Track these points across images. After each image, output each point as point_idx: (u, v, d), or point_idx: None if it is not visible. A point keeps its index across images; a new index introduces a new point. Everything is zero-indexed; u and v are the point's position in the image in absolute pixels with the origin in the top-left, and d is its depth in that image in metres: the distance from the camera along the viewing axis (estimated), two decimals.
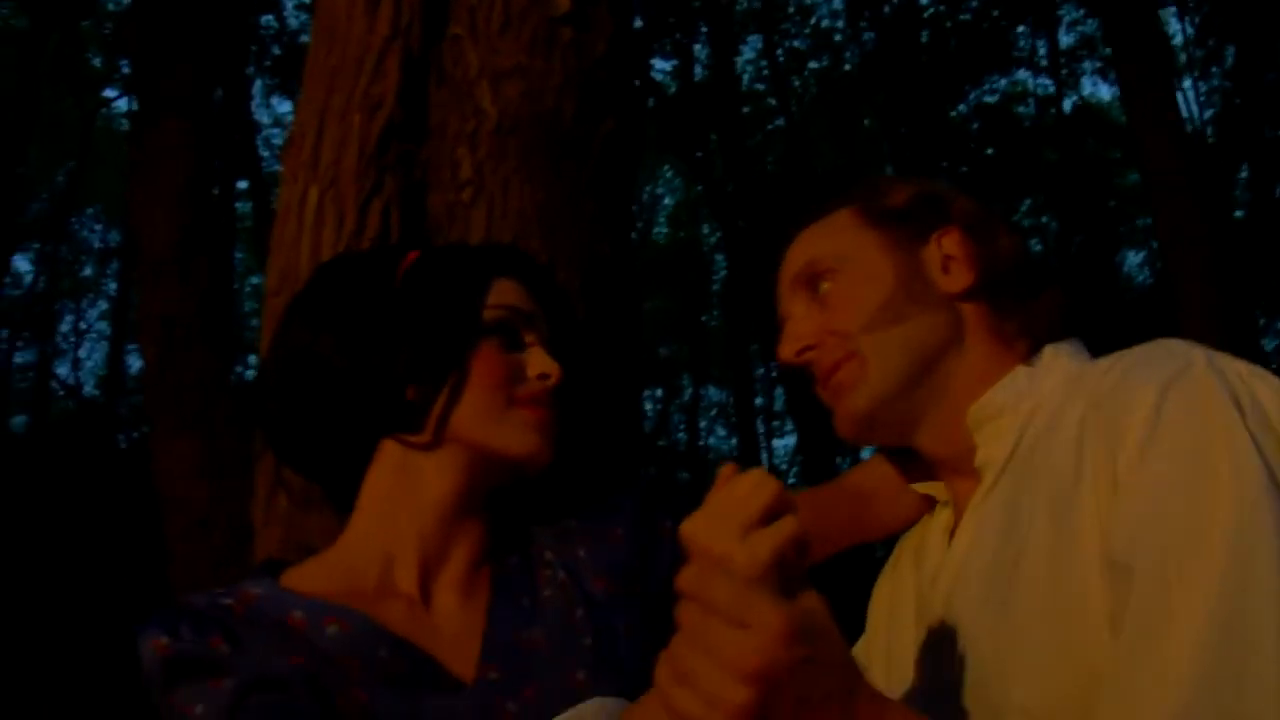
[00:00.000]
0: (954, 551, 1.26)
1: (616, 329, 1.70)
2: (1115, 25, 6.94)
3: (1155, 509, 1.00)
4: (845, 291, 1.28)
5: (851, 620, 1.25)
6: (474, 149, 1.68)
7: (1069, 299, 1.28)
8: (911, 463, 1.38)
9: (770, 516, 0.92)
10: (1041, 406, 1.21)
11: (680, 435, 25.41)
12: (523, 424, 1.26)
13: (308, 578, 1.25)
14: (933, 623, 1.25)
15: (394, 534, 1.26)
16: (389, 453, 1.29)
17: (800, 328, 1.31)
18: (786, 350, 1.32)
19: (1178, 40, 18.93)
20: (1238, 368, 1.06)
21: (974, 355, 1.26)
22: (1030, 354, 1.26)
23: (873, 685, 0.96)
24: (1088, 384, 1.15)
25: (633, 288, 1.73)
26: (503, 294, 1.31)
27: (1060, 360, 1.25)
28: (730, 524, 0.92)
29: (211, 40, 4.56)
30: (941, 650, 1.21)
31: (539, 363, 1.29)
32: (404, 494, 1.27)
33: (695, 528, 0.94)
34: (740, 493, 0.94)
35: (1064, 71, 17.56)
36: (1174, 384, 1.03)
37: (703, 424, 25.92)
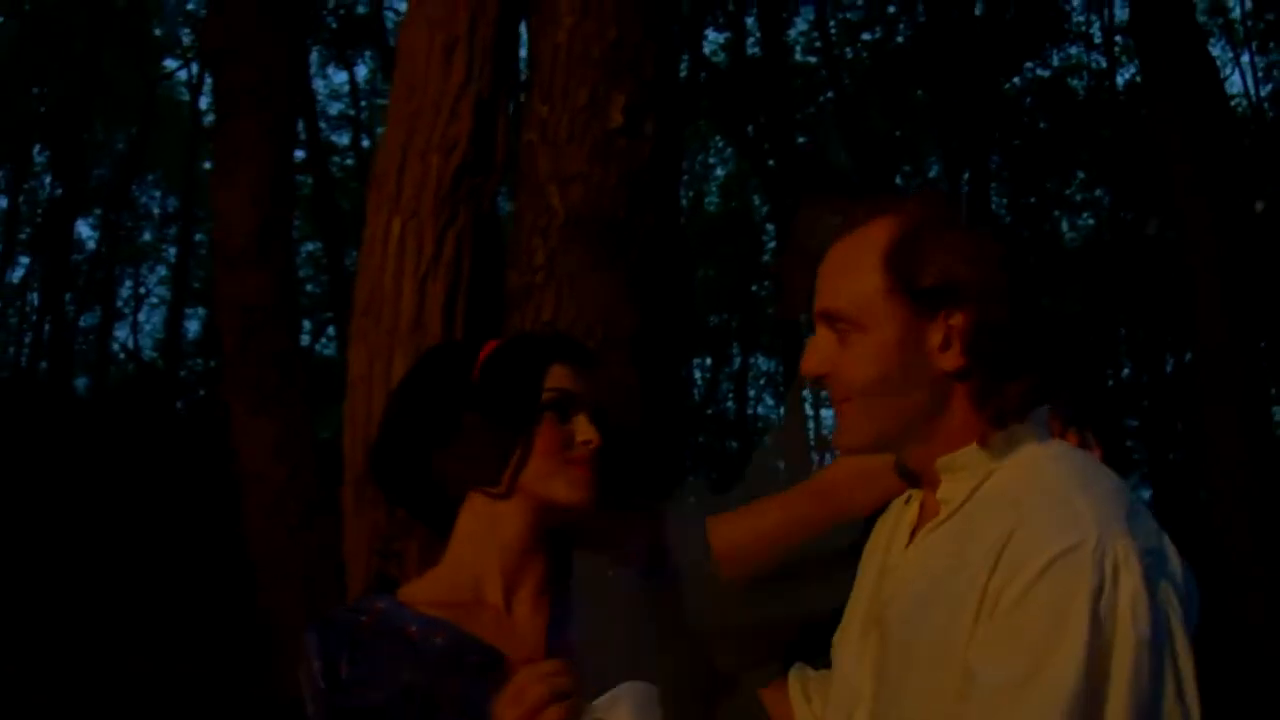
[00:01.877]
0: (906, 558, 1.54)
1: (661, 384, 1.98)
2: (1142, 18, 6.99)
3: (1007, 646, 1.30)
4: (856, 349, 1.50)
5: None
6: (545, 240, 1.98)
7: (1047, 377, 1.51)
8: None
9: None
10: (996, 472, 1.47)
11: (729, 404, 25.59)
12: (572, 481, 1.66)
13: (420, 592, 1.66)
14: (876, 608, 1.55)
15: (482, 561, 1.67)
16: (476, 501, 1.69)
17: (820, 354, 1.55)
18: (806, 368, 1.57)
19: (1236, 14, 18.79)
20: (1117, 553, 1.30)
21: (953, 420, 1.49)
22: (998, 426, 1.49)
23: None
24: (1026, 499, 1.41)
25: (678, 333, 2.03)
26: (557, 378, 1.69)
27: (1018, 438, 1.49)
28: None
29: (281, 28, 4.75)
30: (871, 633, 1.54)
31: (584, 431, 1.67)
32: (488, 532, 1.68)
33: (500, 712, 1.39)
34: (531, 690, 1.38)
35: (1117, 48, 17.46)
36: (1060, 560, 1.30)
37: (751, 393, 26.08)
